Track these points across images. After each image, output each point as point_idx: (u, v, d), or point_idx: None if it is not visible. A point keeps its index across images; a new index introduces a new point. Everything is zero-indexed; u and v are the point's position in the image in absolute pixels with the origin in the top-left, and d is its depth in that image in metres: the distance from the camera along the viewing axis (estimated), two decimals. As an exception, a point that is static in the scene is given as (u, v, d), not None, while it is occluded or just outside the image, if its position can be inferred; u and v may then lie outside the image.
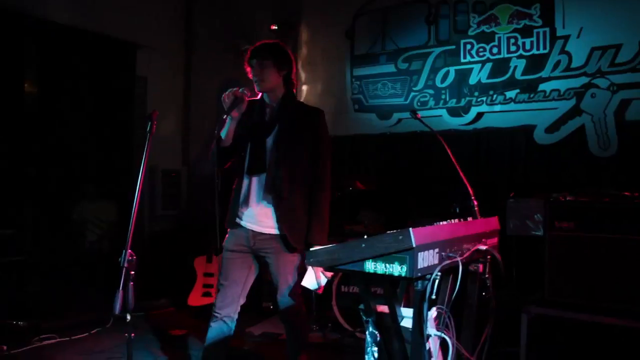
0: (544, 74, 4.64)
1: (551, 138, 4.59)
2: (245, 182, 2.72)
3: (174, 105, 6.32)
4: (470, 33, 5.03)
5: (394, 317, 1.93)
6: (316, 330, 4.33)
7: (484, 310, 2.27)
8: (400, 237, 1.70)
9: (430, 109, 5.21)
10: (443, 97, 5.17)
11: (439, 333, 1.96)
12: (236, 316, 2.73)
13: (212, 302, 2.78)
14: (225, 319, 2.69)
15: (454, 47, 5.11)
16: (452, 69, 5.12)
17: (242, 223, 2.71)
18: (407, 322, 1.93)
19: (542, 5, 4.66)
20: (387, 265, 1.74)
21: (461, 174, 2.59)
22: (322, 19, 6.00)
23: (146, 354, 3.88)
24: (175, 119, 6.33)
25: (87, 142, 6.01)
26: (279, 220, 2.64)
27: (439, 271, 1.76)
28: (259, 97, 2.78)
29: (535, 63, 4.68)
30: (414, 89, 5.35)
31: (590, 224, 3.02)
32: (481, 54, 4.96)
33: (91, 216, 5.83)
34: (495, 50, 4.88)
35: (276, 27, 5.94)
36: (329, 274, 2.60)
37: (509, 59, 4.81)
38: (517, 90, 4.76)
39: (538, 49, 4.67)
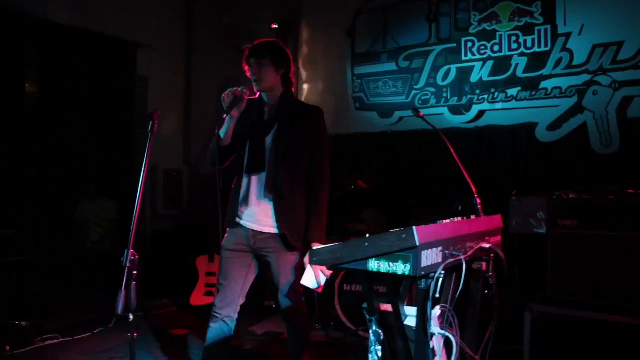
0: (545, 71, 4.63)
1: (553, 136, 4.59)
2: (245, 181, 2.71)
3: (174, 104, 6.31)
4: (471, 31, 5.02)
5: (398, 315, 1.92)
6: (319, 329, 4.33)
7: (487, 308, 2.26)
8: (404, 236, 1.69)
9: (432, 107, 5.21)
10: (444, 95, 5.17)
11: (443, 332, 1.95)
12: (236, 316, 2.72)
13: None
14: (226, 319, 2.68)
15: (455, 45, 5.10)
16: (453, 67, 5.11)
17: (242, 222, 2.70)
18: (410, 321, 1.92)
19: (544, 2, 4.65)
20: (390, 263, 1.73)
21: (464, 172, 2.58)
22: (322, 17, 5.99)
23: (148, 353, 3.88)
24: (176, 118, 6.33)
25: (88, 142, 6.01)
26: (279, 219, 2.63)
27: (442, 269, 1.75)
28: (257, 96, 2.77)
29: (537, 61, 4.67)
30: (415, 87, 5.34)
31: (593, 222, 3.02)
32: (482, 51, 4.95)
33: (92, 216, 5.84)
34: (496, 48, 4.87)
35: (277, 26, 5.94)
36: (328, 273, 2.59)
37: (511, 56, 4.80)
38: (519, 88, 4.75)
39: (539, 46, 4.66)
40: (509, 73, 4.80)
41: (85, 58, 5.75)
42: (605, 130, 4.34)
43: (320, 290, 2.66)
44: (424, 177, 5.10)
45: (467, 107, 5.03)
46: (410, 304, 1.99)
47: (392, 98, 5.49)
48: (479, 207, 2.50)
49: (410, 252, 1.69)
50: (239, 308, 2.73)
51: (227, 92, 2.59)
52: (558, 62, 4.57)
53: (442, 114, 5.16)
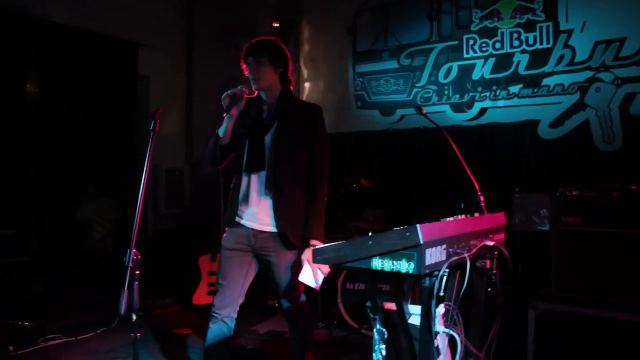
0: (547, 68, 4.62)
1: (555, 133, 4.58)
2: (244, 180, 2.70)
3: (175, 104, 6.30)
4: (472, 28, 5.00)
5: (402, 314, 1.91)
6: (322, 327, 4.32)
7: (491, 306, 2.25)
8: (408, 234, 1.68)
9: (434, 104, 5.20)
10: (446, 92, 5.16)
11: (447, 330, 1.94)
12: (235, 315, 2.71)
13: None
14: (225, 319, 2.67)
15: (456, 42, 5.09)
16: (454, 65, 5.10)
17: (242, 222, 2.68)
18: (414, 319, 1.91)
19: (545, -1, 4.64)
20: (394, 262, 1.72)
21: (467, 169, 2.57)
22: (323, 16, 5.99)
23: (151, 353, 3.88)
24: (177, 117, 6.32)
25: (89, 142, 6.01)
26: (279, 217, 2.62)
27: (446, 267, 1.74)
28: (255, 94, 2.77)
29: (539, 58, 4.66)
30: (417, 85, 5.33)
31: (596, 219, 3.00)
32: (484, 49, 4.93)
33: (94, 216, 5.84)
34: (498, 45, 4.86)
35: (278, 25, 5.93)
36: (327, 271, 2.57)
37: (512, 53, 4.79)
38: (521, 85, 4.74)
39: (541, 43, 4.65)
40: (510, 70, 4.79)
41: (85, 58, 5.74)
42: (607, 127, 4.33)
43: (318, 289, 2.65)
44: (426, 175, 5.09)
45: (469, 105, 5.02)
46: (414, 302, 1.99)
47: (394, 96, 5.49)
48: (482, 204, 2.49)
49: (414, 250, 1.68)
50: (238, 307, 2.72)
51: (227, 93, 2.58)
52: (560, 59, 4.55)
53: (444, 111, 5.15)
